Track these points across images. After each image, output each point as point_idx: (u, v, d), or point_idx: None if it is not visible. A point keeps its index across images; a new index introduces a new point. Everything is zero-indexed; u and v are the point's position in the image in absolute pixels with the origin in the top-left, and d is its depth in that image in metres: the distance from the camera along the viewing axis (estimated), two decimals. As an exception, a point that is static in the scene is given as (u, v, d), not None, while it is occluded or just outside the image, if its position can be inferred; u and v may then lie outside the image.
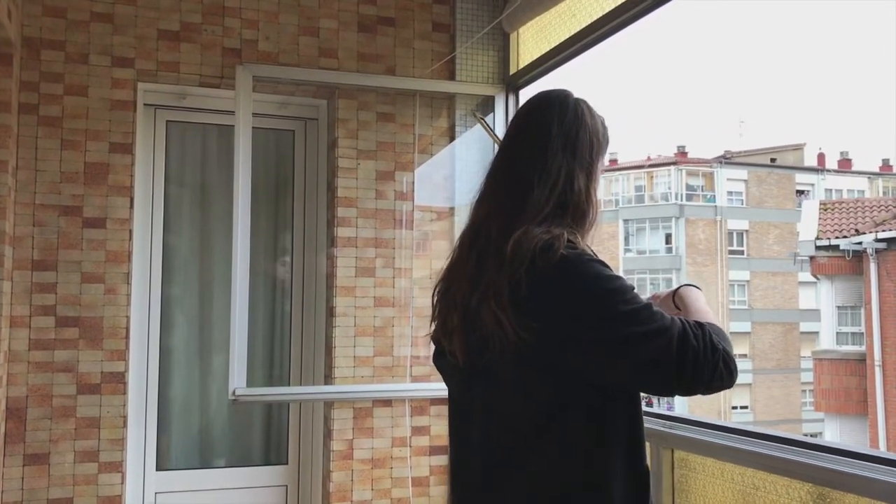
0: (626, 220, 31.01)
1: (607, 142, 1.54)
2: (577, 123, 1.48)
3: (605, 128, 1.54)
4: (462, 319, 1.43)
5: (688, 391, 1.34)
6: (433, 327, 1.54)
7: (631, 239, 31.02)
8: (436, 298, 1.53)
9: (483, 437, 1.46)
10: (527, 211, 1.40)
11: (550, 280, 1.32)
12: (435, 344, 1.56)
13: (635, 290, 1.35)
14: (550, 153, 1.44)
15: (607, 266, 1.37)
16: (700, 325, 1.34)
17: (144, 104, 3.63)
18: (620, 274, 1.39)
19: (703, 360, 1.30)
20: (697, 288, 1.61)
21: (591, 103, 1.54)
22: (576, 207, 1.43)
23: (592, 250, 1.42)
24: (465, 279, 1.43)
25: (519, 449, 1.40)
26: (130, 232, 3.42)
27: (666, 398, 27.90)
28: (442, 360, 1.54)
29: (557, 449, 1.37)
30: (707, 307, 1.54)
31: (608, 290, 1.32)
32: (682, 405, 26.93)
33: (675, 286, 1.64)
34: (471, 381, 1.47)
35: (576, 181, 1.44)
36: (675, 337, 1.29)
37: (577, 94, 1.54)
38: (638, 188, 31.47)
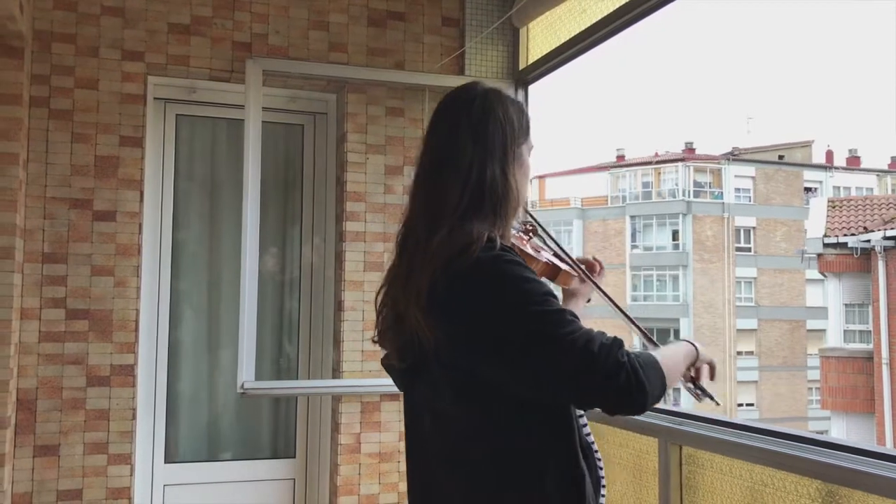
0: (632, 217, 30.94)
1: (527, 126, 1.55)
2: (484, 114, 1.48)
3: (520, 112, 1.54)
4: (393, 321, 1.47)
5: (581, 402, 1.35)
6: (376, 332, 1.56)
7: (638, 235, 30.95)
8: (378, 301, 1.54)
9: (426, 438, 1.49)
10: (446, 208, 1.42)
11: (463, 282, 1.34)
12: (380, 346, 1.58)
13: (550, 294, 1.35)
14: (459, 147, 1.46)
15: (525, 266, 1.38)
16: (614, 340, 1.32)
17: (154, 98, 3.64)
18: (535, 276, 1.39)
19: (601, 374, 1.28)
20: (691, 343, 1.57)
21: (503, 92, 1.55)
22: (492, 196, 1.44)
23: (509, 247, 1.43)
24: (399, 281, 1.46)
25: (453, 449, 1.44)
26: (140, 225, 3.43)
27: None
28: (386, 363, 1.58)
29: (484, 450, 1.39)
30: (675, 354, 1.51)
31: (518, 290, 1.33)
32: (688, 402, 26.91)
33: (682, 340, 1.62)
34: (412, 380, 1.51)
35: (488, 170, 1.44)
36: (581, 343, 1.28)
37: (488, 85, 1.55)
38: (645, 184, 31.39)
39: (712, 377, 1.58)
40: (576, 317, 1.34)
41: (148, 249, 3.57)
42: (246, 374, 3.32)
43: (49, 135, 3.33)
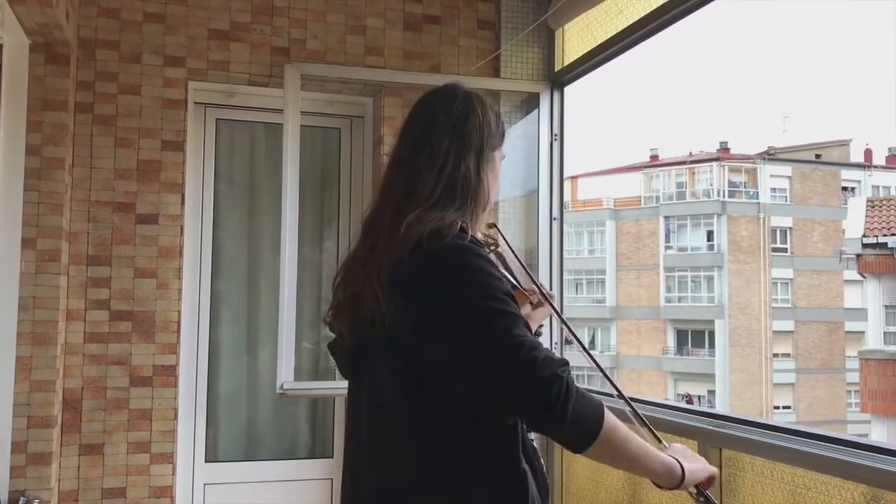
0: (666, 217, 30.67)
1: (501, 133, 1.59)
2: (465, 111, 1.52)
3: (497, 119, 1.58)
4: (349, 300, 1.48)
5: (509, 403, 1.31)
6: (329, 312, 1.57)
7: (672, 236, 30.68)
8: (335, 282, 1.56)
9: (367, 423, 1.49)
10: (416, 195, 1.44)
11: (428, 265, 1.36)
12: (330, 329, 1.60)
13: (510, 296, 1.35)
14: (436, 138, 1.49)
15: (491, 263, 1.40)
16: (561, 359, 1.31)
17: (195, 102, 3.70)
18: (499, 275, 1.39)
19: (534, 382, 1.27)
20: (678, 462, 1.47)
21: (483, 97, 1.59)
22: (464, 189, 1.46)
23: (479, 241, 1.46)
24: (358, 262, 1.48)
25: (387, 439, 1.44)
26: (181, 228, 3.49)
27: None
28: (334, 344, 1.59)
29: (417, 443, 1.40)
30: (647, 448, 1.43)
31: (479, 283, 1.35)
32: (723, 404, 26.65)
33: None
34: (357, 362, 1.51)
35: (463, 164, 1.47)
36: (526, 348, 1.29)
37: (468, 88, 1.59)
38: (679, 184, 31.10)
39: (707, 485, 1.52)
40: (529, 328, 1.35)
41: (189, 251, 3.63)
42: (285, 374, 3.35)
43: (93, 139, 3.40)
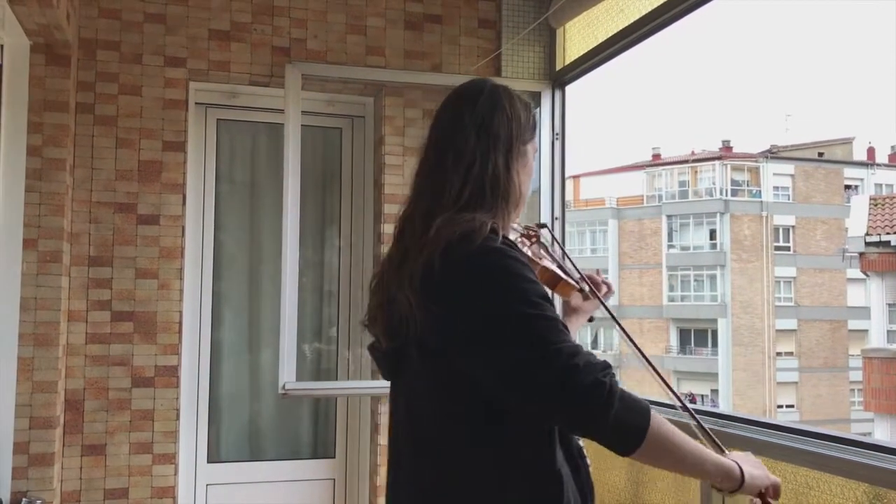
0: (669, 216, 30.65)
1: (532, 125, 1.54)
2: (491, 108, 1.48)
3: (528, 111, 1.54)
4: (384, 305, 1.47)
5: (548, 414, 1.30)
6: (366, 316, 1.56)
7: (674, 235, 30.66)
8: (372, 286, 1.55)
9: (405, 425, 1.49)
10: (445, 197, 1.41)
11: (459, 269, 1.33)
12: (370, 332, 1.58)
13: (546, 298, 1.33)
14: (462, 138, 1.45)
15: (526, 265, 1.36)
16: (603, 362, 1.29)
17: (196, 103, 3.70)
18: (534, 277, 1.37)
19: (577, 388, 1.24)
20: (737, 465, 1.42)
21: (511, 89, 1.55)
22: (494, 188, 1.43)
23: (511, 241, 1.42)
24: (392, 266, 1.46)
25: (425, 439, 1.43)
26: (183, 228, 3.49)
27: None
28: (373, 347, 1.57)
29: (453, 443, 1.39)
30: (701, 449, 1.40)
31: (516, 288, 1.31)
32: (726, 403, 26.63)
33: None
34: (398, 365, 1.49)
35: (492, 162, 1.44)
36: (565, 355, 1.25)
37: (496, 82, 1.56)
38: (682, 183, 31.07)
39: (775, 497, 1.46)
40: (567, 329, 1.32)
41: (190, 252, 3.62)
42: (287, 374, 3.35)
43: (94, 140, 3.40)
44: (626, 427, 1.27)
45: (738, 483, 1.40)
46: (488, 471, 1.37)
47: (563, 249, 1.82)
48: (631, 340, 1.74)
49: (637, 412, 1.29)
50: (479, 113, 1.48)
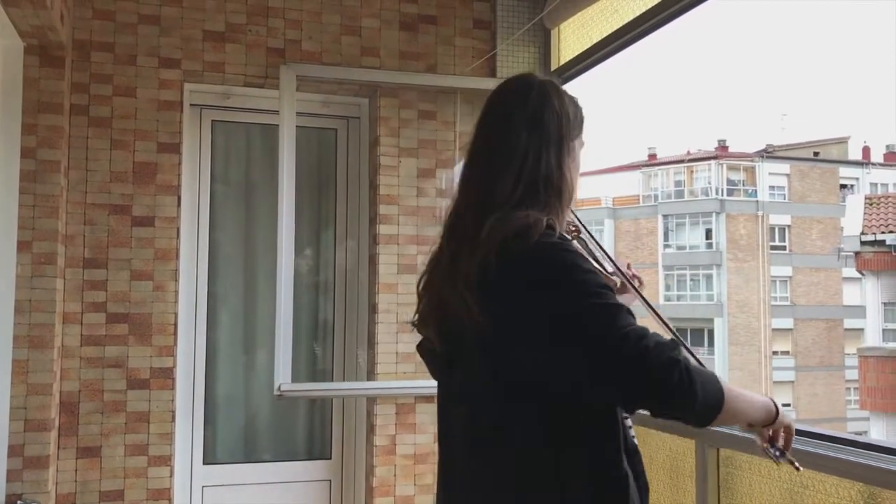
0: (665, 216, 30.68)
1: (581, 120, 1.53)
2: (540, 103, 1.47)
3: (576, 107, 1.52)
4: (436, 305, 1.45)
5: (633, 400, 1.29)
6: (415, 316, 1.55)
7: (670, 234, 30.69)
8: (420, 286, 1.53)
9: (461, 426, 1.46)
10: (497, 195, 1.39)
11: (518, 266, 1.32)
12: (418, 332, 1.57)
13: (607, 287, 1.33)
14: (514, 135, 1.43)
15: (583, 258, 1.36)
16: (671, 340, 1.29)
17: (190, 104, 3.69)
18: (592, 268, 1.37)
19: (655, 370, 1.24)
20: (773, 401, 1.48)
21: (559, 85, 1.53)
22: (547, 185, 1.41)
23: (567, 237, 1.42)
24: (442, 265, 1.44)
25: (484, 440, 1.40)
26: (178, 230, 3.49)
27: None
28: (424, 348, 1.56)
29: (519, 448, 1.36)
30: (747, 395, 1.43)
31: (577, 281, 1.30)
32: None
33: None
34: (450, 366, 1.48)
35: (544, 159, 1.42)
36: (634, 339, 1.25)
37: (544, 77, 1.54)
38: (678, 183, 31.11)
39: (788, 443, 1.51)
40: (632, 314, 1.31)
41: (185, 253, 3.62)
42: (282, 376, 3.35)
43: (89, 142, 3.39)
44: (707, 400, 1.28)
45: (773, 417, 1.45)
46: (550, 473, 1.35)
47: (598, 244, 1.83)
48: (669, 327, 1.75)
49: (711, 383, 1.30)
50: (530, 109, 1.46)
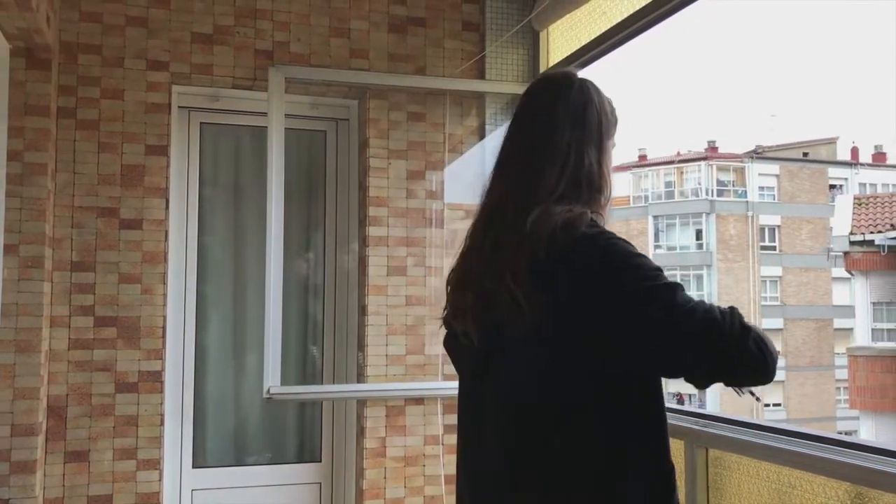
0: (655, 217, 30.76)
1: (616, 120, 1.53)
2: (583, 100, 1.47)
3: (612, 107, 1.53)
4: (476, 299, 1.42)
5: (710, 373, 1.28)
6: (445, 311, 1.53)
7: (661, 235, 30.77)
8: (450, 286, 1.52)
9: (498, 423, 1.41)
10: (540, 191, 1.39)
11: (572, 257, 1.30)
12: (446, 327, 1.55)
13: (661, 269, 1.32)
14: (559, 131, 1.43)
15: (631, 244, 1.34)
16: (732, 308, 1.29)
17: (179, 106, 3.68)
18: (643, 252, 1.36)
19: (728, 339, 1.24)
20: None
21: (597, 84, 1.53)
22: (589, 183, 1.42)
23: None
24: (479, 262, 1.42)
25: (534, 439, 1.36)
26: (166, 233, 3.47)
27: (698, 391, 27.69)
28: (453, 343, 1.52)
29: (571, 442, 1.33)
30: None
31: (631, 266, 1.30)
32: (713, 403, 26.70)
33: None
34: (486, 362, 1.43)
35: (586, 157, 1.42)
36: (700, 313, 1.25)
37: (581, 75, 1.55)
38: (668, 184, 31.20)
39: None
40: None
41: (174, 256, 3.61)
42: (272, 379, 3.34)
43: (76, 145, 3.38)
44: (773, 358, 1.30)
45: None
46: (610, 465, 1.33)
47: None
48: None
49: (768, 340, 1.30)
50: (573, 106, 1.46)
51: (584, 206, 1.38)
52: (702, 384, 1.32)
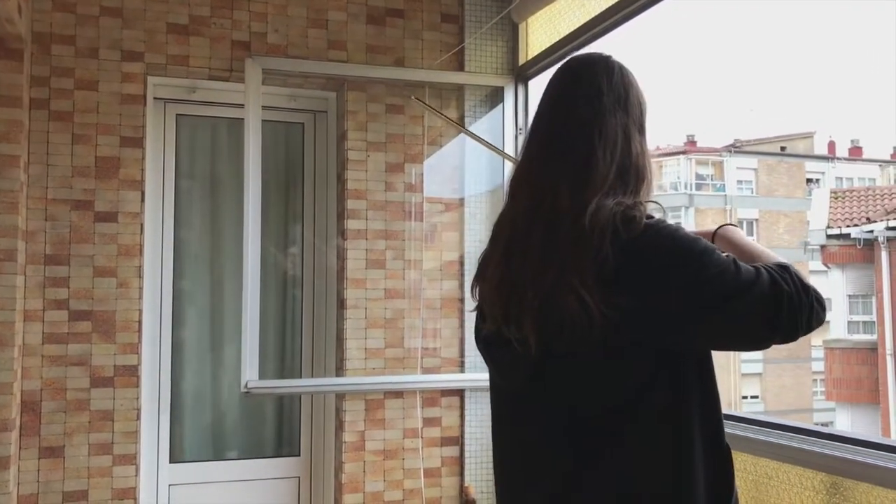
0: (635, 210, 30.90)
1: (646, 110, 1.46)
2: (625, 82, 1.41)
3: (644, 96, 1.47)
4: (535, 301, 1.30)
5: (788, 336, 1.29)
6: (479, 310, 1.45)
7: (640, 229, 30.91)
8: (487, 284, 1.40)
9: (553, 430, 1.36)
10: (593, 177, 1.31)
11: (639, 252, 1.25)
12: (485, 329, 1.44)
13: (719, 250, 1.31)
14: (607, 112, 1.35)
15: (684, 229, 1.33)
16: (784, 267, 1.30)
17: (154, 98, 3.63)
18: (698, 235, 1.36)
19: (798, 303, 1.26)
20: (734, 226, 1.55)
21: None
22: (637, 172, 1.35)
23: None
24: (531, 256, 1.31)
25: (600, 442, 1.32)
26: (142, 226, 3.43)
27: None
28: (497, 347, 1.41)
29: (639, 440, 1.30)
30: (755, 244, 1.49)
31: (698, 251, 1.27)
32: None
33: (712, 227, 1.57)
34: (542, 368, 1.33)
35: (633, 142, 1.36)
36: (768, 285, 1.25)
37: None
38: (647, 178, 31.35)
39: None
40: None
41: (150, 250, 3.57)
42: (249, 373, 3.32)
43: (49, 136, 3.33)
44: (825, 307, 1.32)
45: None
46: (684, 458, 1.30)
47: None
48: None
49: (820, 295, 1.32)
50: (616, 86, 1.39)
51: (632, 197, 1.33)
52: (785, 342, 1.32)
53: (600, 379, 1.31)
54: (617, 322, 1.24)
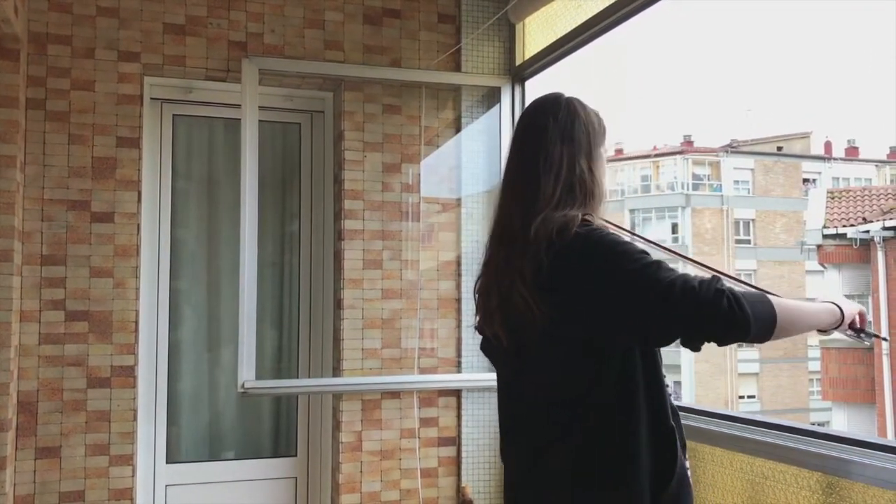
0: (632, 210, 30.92)
1: (604, 130, 1.73)
2: (570, 117, 1.68)
3: (598, 118, 1.73)
4: (499, 302, 1.61)
5: (696, 330, 1.44)
6: (477, 319, 1.73)
7: (637, 229, 30.91)
8: (478, 294, 1.71)
9: (530, 415, 1.64)
10: (539, 200, 1.59)
11: (567, 255, 1.51)
12: (479, 333, 1.75)
13: (645, 252, 1.51)
14: (550, 145, 1.64)
15: (617, 236, 1.56)
16: (713, 277, 1.46)
17: (151, 98, 3.63)
18: (629, 241, 1.56)
19: (703, 303, 1.40)
20: (833, 304, 1.69)
21: (583, 100, 1.74)
22: (581, 187, 1.62)
23: (609, 223, 1.65)
24: (498, 269, 1.62)
25: (560, 424, 1.57)
26: (138, 226, 3.43)
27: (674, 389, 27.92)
28: (488, 346, 1.73)
29: (589, 429, 1.54)
30: (803, 304, 1.62)
31: (619, 251, 1.49)
32: (689, 394, 26.96)
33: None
34: (518, 360, 1.65)
35: (577, 165, 1.63)
36: (680, 283, 1.42)
37: (568, 94, 1.74)
38: (644, 178, 31.37)
39: (863, 324, 1.70)
40: (671, 268, 1.48)
41: (146, 250, 3.57)
42: (246, 373, 3.32)
43: (46, 137, 3.33)
44: (761, 317, 1.45)
45: (840, 318, 1.66)
46: (626, 437, 1.53)
47: (640, 236, 2.04)
48: (709, 267, 1.92)
49: (761, 302, 1.47)
50: (561, 123, 1.66)
51: (579, 209, 1.58)
52: (693, 346, 1.51)
53: (555, 374, 1.59)
54: (552, 316, 1.51)
